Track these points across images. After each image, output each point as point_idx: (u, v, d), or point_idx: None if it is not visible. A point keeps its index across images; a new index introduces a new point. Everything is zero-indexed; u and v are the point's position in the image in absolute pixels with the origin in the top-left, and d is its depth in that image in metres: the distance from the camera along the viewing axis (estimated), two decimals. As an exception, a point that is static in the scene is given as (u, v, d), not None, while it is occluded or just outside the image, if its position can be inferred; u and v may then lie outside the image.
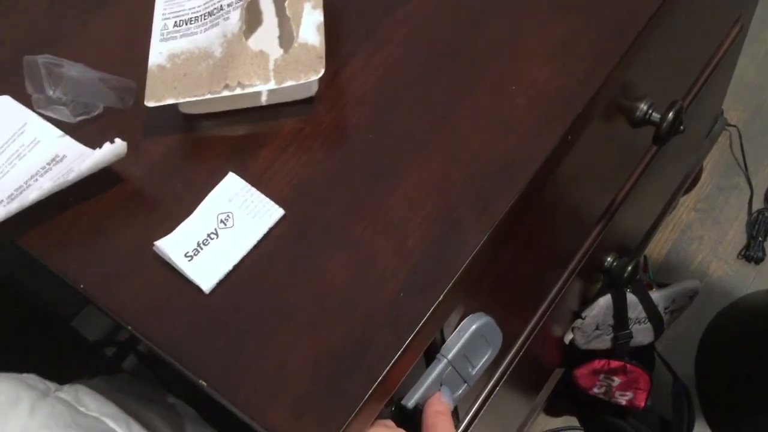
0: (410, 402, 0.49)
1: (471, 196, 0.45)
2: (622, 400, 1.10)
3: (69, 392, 0.51)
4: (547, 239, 0.74)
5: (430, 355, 0.50)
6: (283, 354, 0.41)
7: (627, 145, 0.81)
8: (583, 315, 0.95)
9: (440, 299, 0.42)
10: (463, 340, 0.49)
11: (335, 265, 0.44)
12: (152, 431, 0.52)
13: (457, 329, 0.49)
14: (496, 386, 0.81)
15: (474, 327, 0.49)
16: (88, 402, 0.51)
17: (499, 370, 0.81)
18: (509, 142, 0.47)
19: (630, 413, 1.16)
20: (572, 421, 1.23)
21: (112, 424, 0.50)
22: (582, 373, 1.06)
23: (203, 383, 0.41)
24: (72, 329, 0.91)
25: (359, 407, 0.39)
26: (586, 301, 0.97)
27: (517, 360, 0.82)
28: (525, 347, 0.83)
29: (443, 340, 0.50)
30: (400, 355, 0.41)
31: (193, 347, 0.42)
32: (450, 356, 0.48)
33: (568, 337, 0.97)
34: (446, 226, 0.44)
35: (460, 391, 0.51)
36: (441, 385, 0.49)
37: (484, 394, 0.80)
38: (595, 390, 1.10)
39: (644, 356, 1.08)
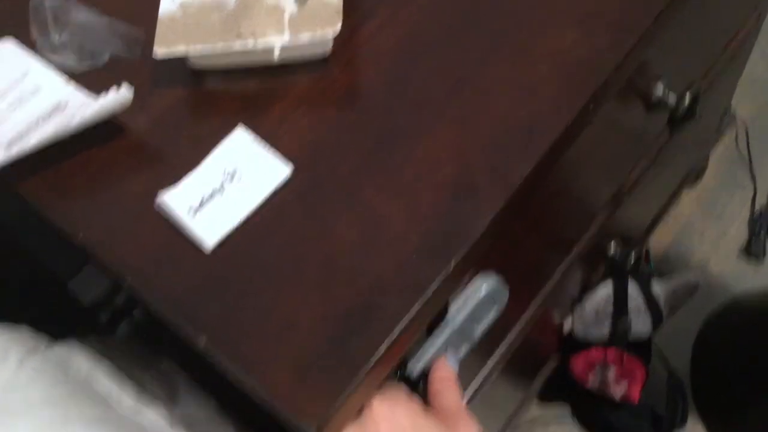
0: (414, 372, 0.47)
1: (488, 162, 0.44)
2: (617, 392, 1.09)
3: (61, 349, 0.50)
4: (554, 220, 0.72)
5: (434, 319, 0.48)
6: (288, 314, 0.40)
7: (639, 132, 0.80)
8: (583, 302, 0.94)
9: (452, 266, 0.41)
10: (471, 305, 0.47)
11: (345, 226, 0.42)
12: (145, 393, 0.51)
13: (464, 291, 0.48)
14: (492, 371, 0.80)
15: (484, 289, 0.47)
16: (80, 360, 0.50)
17: (495, 354, 0.80)
18: (530, 109, 0.45)
19: (622, 406, 1.16)
20: (565, 409, 1.22)
21: (104, 382, 0.48)
22: (578, 361, 1.05)
23: (202, 339, 0.39)
24: (68, 291, 0.89)
25: (365, 371, 0.38)
26: (587, 289, 0.96)
27: (514, 344, 0.81)
28: (523, 331, 0.82)
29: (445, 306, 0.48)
30: (408, 320, 0.39)
31: (194, 303, 0.41)
32: (457, 321, 0.47)
33: (567, 324, 0.96)
34: (461, 192, 0.43)
35: (464, 352, 0.49)
36: (447, 348, 0.48)
37: (478, 378, 0.79)
38: (590, 379, 1.09)
39: (641, 349, 1.07)
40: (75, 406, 0.42)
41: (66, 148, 0.46)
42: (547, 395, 1.24)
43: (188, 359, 0.69)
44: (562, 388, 1.17)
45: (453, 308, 0.48)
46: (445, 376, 0.47)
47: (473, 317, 0.49)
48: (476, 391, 0.78)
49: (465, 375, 0.77)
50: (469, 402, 0.77)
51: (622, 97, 0.63)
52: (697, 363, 1.23)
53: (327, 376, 0.38)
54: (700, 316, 1.25)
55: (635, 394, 1.08)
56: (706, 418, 1.19)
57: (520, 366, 0.98)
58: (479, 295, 0.48)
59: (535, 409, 1.23)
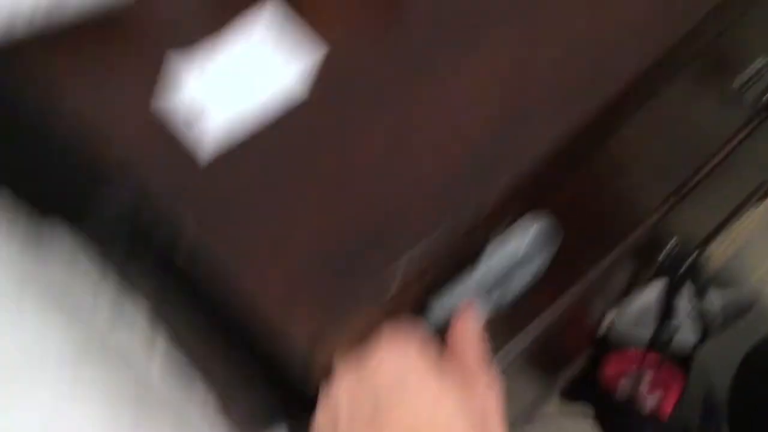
0: (436, 313, 0.42)
1: (551, 88, 0.37)
2: (648, 403, 1.01)
3: (48, 227, 0.46)
4: (610, 197, 0.65)
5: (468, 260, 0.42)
6: (290, 226, 0.35)
7: (711, 126, 0.72)
8: (628, 299, 0.87)
9: (493, 199, 0.34)
10: (514, 247, 0.41)
11: (372, 137, 0.37)
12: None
13: (506, 234, 0.41)
14: (515, 354, 0.73)
15: (532, 231, 0.41)
16: (64, 238, 0.45)
17: (521, 337, 0.74)
18: (608, 37, 0.38)
19: (650, 422, 1.08)
20: (587, 410, 1.15)
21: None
22: (612, 360, 0.98)
23: (186, 237, 0.34)
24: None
25: (371, 298, 0.32)
26: (634, 286, 0.89)
27: (543, 330, 0.75)
28: (556, 318, 0.75)
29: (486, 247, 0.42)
30: (431, 249, 0.33)
31: (183, 201, 0.36)
32: (494, 264, 0.41)
33: (607, 321, 0.88)
34: (516, 115, 0.36)
35: (497, 302, 0.43)
36: (476, 295, 0.42)
37: (498, 358, 0.73)
38: (621, 382, 1.02)
39: (682, 358, 0.99)
40: (40, 286, 0.38)
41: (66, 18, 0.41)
42: (570, 394, 1.17)
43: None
44: (587, 389, 1.10)
45: (492, 249, 0.42)
46: (469, 326, 0.41)
47: (515, 263, 0.42)
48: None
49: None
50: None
51: (711, 63, 0.55)
52: (738, 389, 1.14)
53: (326, 297, 0.33)
54: (750, 339, 1.15)
55: (667, 409, 1.00)
56: (739, 447, 1.11)
57: (547, 356, 0.92)
58: (526, 237, 0.42)
59: (554, 405, 1.16)
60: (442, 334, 0.43)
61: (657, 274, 0.88)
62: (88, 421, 0.34)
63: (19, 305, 0.35)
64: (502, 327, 0.71)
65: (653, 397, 1.02)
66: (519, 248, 0.41)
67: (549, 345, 0.87)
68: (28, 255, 0.40)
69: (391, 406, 0.35)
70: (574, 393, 1.15)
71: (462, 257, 0.44)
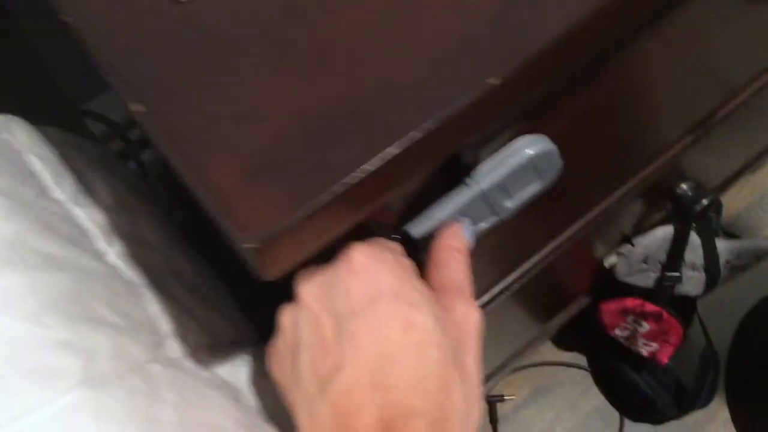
0: (417, 229, 0.37)
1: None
2: (645, 351, 0.98)
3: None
4: (623, 127, 0.59)
5: (455, 176, 0.37)
6: (252, 97, 0.29)
7: (747, 50, 0.66)
8: (635, 241, 0.82)
9: (488, 86, 0.29)
10: (506, 168, 0.36)
11: (359, 11, 0.31)
12: (90, 193, 0.41)
13: (502, 151, 0.36)
14: (512, 285, 0.69)
15: (529, 153, 0.36)
16: (20, 134, 0.40)
17: (520, 270, 0.69)
18: None
19: (645, 367, 1.05)
20: (580, 359, 1.12)
21: (38, 166, 0.39)
22: (610, 308, 0.94)
23: (139, 108, 0.29)
24: (80, 120, 0.81)
25: (336, 190, 0.27)
26: (642, 228, 0.84)
27: (543, 266, 0.70)
28: (557, 254, 0.70)
29: (474, 164, 0.37)
30: (412, 140, 0.28)
31: (139, 62, 0.30)
32: (484, 184, 0.36)
33: (610, 261, 0.84)
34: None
35: (486, 224, 0.38)
36: (463, 215, 0.37)
37: (494, 290, 0.69)
38: (618, 332, 0.98)
39: (683, 309, 0.95)
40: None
41: None
42: (563, 343, 1.14)
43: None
44: (581, 334, 1.06)
45: (483, 167, 0.37)
46: (454, 245, 0.36)
47: (508, 186, 0.37)
48: (484, 306, 0.67)
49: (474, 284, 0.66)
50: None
51: None
52: (739, 343, 1.10)
53: (287, 183, 0.27)
54: (755, 294, 1.11)
55: (664, 358, 0.97)
56: (734, 404, 1.08)
57: (543, 297, 0.87)
58: (521, 158, 0.36)
59: (547, 353, 1.13)
60: (423, 253, 0.38)
61: (665, 219, 0.83)
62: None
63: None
64: (498, 260, 0.67)
65: (650, 348, 0.98)
66: (513, 169, 0.36)
67: (546, 284, 0.83)
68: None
69: (356, 331, 0.31)
70: (568, 341, 1.12)
71: (447, 170, 0.39)
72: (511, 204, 0.39)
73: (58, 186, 0.39)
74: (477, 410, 0.33)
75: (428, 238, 0.38)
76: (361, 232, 0.36)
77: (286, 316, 0.34)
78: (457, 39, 0.30)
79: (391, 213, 0.38)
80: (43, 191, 0.38)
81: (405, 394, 0.30)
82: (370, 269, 0.32)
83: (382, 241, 0.35)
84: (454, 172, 0.38)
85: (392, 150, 0.28)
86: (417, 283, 0.33)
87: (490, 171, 0.37)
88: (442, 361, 0.31)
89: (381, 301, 0.31)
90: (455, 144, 0.31)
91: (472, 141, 0.37)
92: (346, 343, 0.31)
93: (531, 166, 0.37)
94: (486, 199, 0.37)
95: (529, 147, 0.36)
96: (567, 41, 0.30)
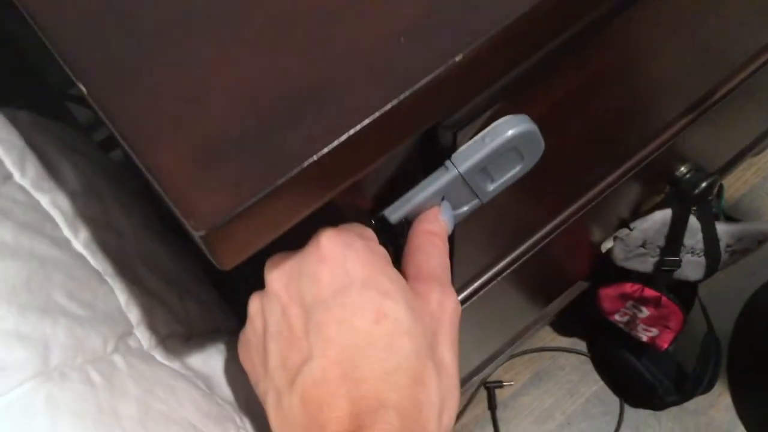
0: (394, 214, 0.35)
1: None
2: (644, 336, 0.96)
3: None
4: (618, 105, 0.58)
5: (435, 159, 0.36)
6: (206, 80, 0.28)
7: (751, 24, 0.64)
8: (632, 225, 0.80)
9: (457, 59, 0.27)
10: (487, 150, 0.34)
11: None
12: (55, 178, 0.40)
13: (482, 133, 0.35)
14: (507, 269, 0.68)
15: (509, 134, 0.34)
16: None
17: (515, 253, 0.68)
18: None
19: (645, 352, 1.03)
20: (579, 344, 1.10)
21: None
22: (608, 293, 0.92)
23: (83, 89, 0.28)
24: (63, 107, 0.79)
25: (291, 173, 0.26)
26: (639, 212, 0.82)
27: (539, 248, 0.69)
28: (553, 237, 0.69)
29: (453, 146, 0.35)
30: (375, 120, 0.27)
31: (79, 33, 0.29)
32: (463, 168, 0.34)
33: (607, 246, 0.82)
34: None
35: (467, 208, 0.37)
36: (442, 199, 0.36)
37: (489, 274, 0.67)
38: (617, 317, 0.96)
39: (683, 294, 0.93)
40: None
41: None
42: (563, 328, 1.12)
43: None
44: (581, 319, 1.05)
45: (463, 149, 0.35)
46: (432, 230, 0.35)
47: (489, 168, 0.36)
48: (479, 289, 0.66)
49: (468, 268, 0.65)
50: (467, 300, 0.66)
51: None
52: (742, 328, 1.09)
53: (239, 167, 0.26)
54: (758, 278, 1.10)
55: (664, 344, 0.95)
56: (736, 390, 1.06)
57: (540, 279, 0.86)
58: (501, 139, 0.35)
59: (546, 338, 1.12)
60: (400, 239, 0.37)
61: (664, 202, 0.81)
62: None
63: None
64: (494, 243, 0.66)
65: (649, 333, 0.96)
66: (494, 150, 0.35)
67: (543, 268, 0.81)
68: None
69: (325, 322, 0.30)
70: (568, 326, 1.11)
71: (426, 154, 0.37)
72: (492, 187, 0.37)
73: (21, 171, 0.38)
74: (453, 402, 0.32)
75: (406, 224, 0.36)
76: (335, 217, 0.34)
77: (254, 305, 0.33)
78: (420, 15, 0.28)
79: (368, 197, 0.37)
80: (3, 176, 0.37)
81: (375, 387, 0.29)
82: (340, 257, 0.31)
83: (353, 226, 0.34)
84: (433, 155, 0.37)
85: (350, 132, 0.27)
86: (389, 271, 0.32)
87: (471, 153, 0.35)
88: (415, 351, 0.30)
89: (350, 290, 0.30)
90: (419, 125, 0.29)
91: (451, 121, 0.35)
92: (314, 335, 0.30)
93: (512, 148, 0.36)
94: (466, 182, 0.36)
95: (510, 128, 0.35)
96: (535, 17, 0.28)
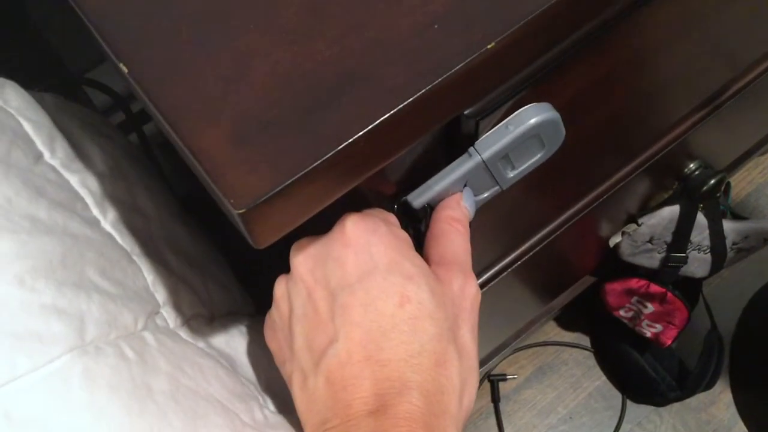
0: (417, 200, 0.36)
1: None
2: (648, 332, 0.97)
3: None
4: (630, 102, 0.58)
5: (458, 146, 0.36)
6: (241, 59, 0.28)
7: (762, 23, 0.64)
8: (640, 221, 0.81)
9: (487, 49, 0.28)
10: (509, 138, 0.35)
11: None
12: (83, 159, 0.41)
13: (506, 120, 0.35)
14: (516, 262, 0.68)
15: (533, 122, 0.35)
16: (13, 98, 0.40)
17: (524, 246, 0.69)
18: None
19: (648, 348, 1.04)
20: (583, 339, 1.11)
21: (29, 130, 0.38)
22: (614, 288, 0.93)
23: (123, 69, 0.28)
24: (80, 90, 0.80)
25: (330, 154, 0.27)
26: (648, 208, 0.83)
27: (548, 242, 0.69)
28: (562, 231, 0.70)
29: (476, 134, 0.36)
30: (407, 105, 0.27)
31: (124, 20, 0.30)
32: (486, 155, 0.35)
33: (615, 240, 0.83)
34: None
35: (488, 194, 0.38)
36: (464, 186, 0.36)
37: (498, 266, 0.68)
38: (622, 312, 0.97)
39: (688, 291, 0.94)
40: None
41: None
42: (567, 323, 1.13)
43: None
44: (586, 314, 1.06)
45: (486, 136, 0.36)
46: (454, 216, 0.35)
47: (510, 155, 0.36)
48: (488, 282, 0.67)
49: (478, 261, 0.66)
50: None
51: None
52: (744, 327, 1.09)
53: (276, 149, 0.27)
54: (762, 278, 1.10)
55: (668, 340, 0.96)
56: (737, 388, 1.07)
57: (547, 273, 0.87)
58: (525, 127, 0.35)
59: (551, 332, 1.12)
60: (423, 224, 0.37)
61: (672, 199, 0.82)
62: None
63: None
64: (504, 235, 0.66)
65: (653, 329, 0.97)
66: (517, 137, 0.35)
67: (551, 262, 0.82)
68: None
69: (350, 305, 0.30)
70: (573, 321, 1.12)
71: (450, 140, 0.38)
72: (513, 174, 0.38)
73: (50, 151, 0.38)
74: (473, 385, 0.33)
75: (429, 209, 0.37)
76: (359, 202, 0.35)
77: (280, 288, 0.34)
78: (453, 2, 0.29)
79: (391, 183, 0.38)
80: (35, 156, 0.37)
81: (399, 368, 0.30)
82: (364, 242, 0.31)
83: (377, 212, 0.35)
84: (456, 142, 0.37)
85: (384, 115, 0.27)
86: (412, 256, 0.33)
87: (494, 140, 0.36)
88: (437, 335, 0.31)
89: (375, 274, 0.31)
90: (451, 110, 0.30)
91: (474, 110, 0.36)
92: (339, 318, 0.30)
93: (534, 135, 0.36)
94: (488, 168, 0.36)
95: (533, 115, 0.36)
96: (563, 7, 0.29)
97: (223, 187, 0.26)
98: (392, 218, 0.35)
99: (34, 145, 0.38)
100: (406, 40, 0.28)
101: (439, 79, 0.28)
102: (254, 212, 0.26)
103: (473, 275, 0.35)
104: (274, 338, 0.34)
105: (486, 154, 0.35)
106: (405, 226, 0.36)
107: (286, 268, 0.34)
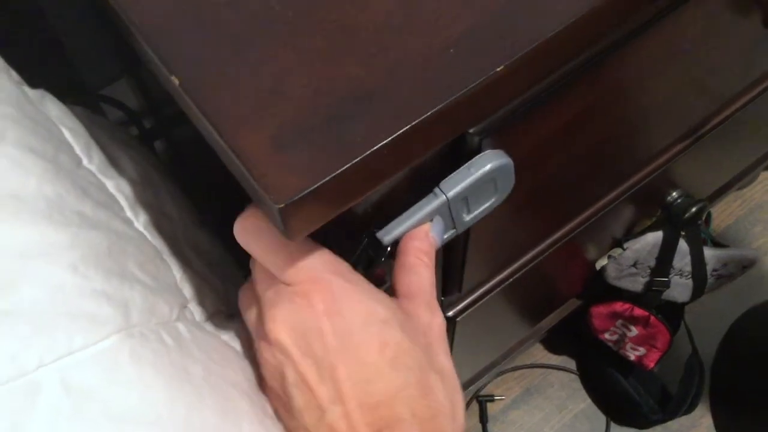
0: (388, 236, 0.38)
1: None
2: (632, 355, 1.01)
3: (36, 93, 0.43)
4: (607, 131, 0.62)
5: (421, 187, 0.39)
6: (281, 74, 0.32)
7: (741, 60, 0.69)
8: (625, 245, 0.85)
9: (497, 71, 0.32)
10: (471, 179, 0.38)
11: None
12: (115, 167, 0.44)
13: (467, 164, 0.39)
14: (502, 284, 0.71)
15: (490, 166, 0.38)
16: (52, 108, 0.43)
17: (510, 269, 0.72)
18: None
19: (632, 372, 1.08)
20: (569, 362, 1.15)
21: (68, 137, 0.42)
22: (600, 311, 0.97)
23: (175, 81, 0.32)
24: (99, 108, 0.83)
25: (358, 157, 0.30)
26: (632, 234, 0.87)
27: (534, 264, 0.73)
28: (548, 254, 0.73)
29: (442, 174, 0.39)
30: (421, 121, 0.31)
31: (174, 35, 0.33)
32: (450, 194, 0.38)
33: (601, 263, 0.87)
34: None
35: (445, 236, 0.40)
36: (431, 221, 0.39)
37: (484, 288, 0.71)
38: (607, 336, 1.01)
39: (671, 316, 0.98)
40: (18, 129, 0.35)
41: None
42: (553, 346, 1.17)
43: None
44: (571, 338, 1.09)
45: (450, 177, 0.39)
46: (422, 248, 0.38)
47: (467, 198, 0.39)
48: (474, 303, 0.70)
49: (465, 282, 0.68)
50: (462, 313, 0.69)
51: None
52: (724, 352, 1.13)
53: (311, 152, 0.30)
54: (742, 305, 1.15)
55: (651, 363, 1.00)
56: (717, 412, 1.10)
57: (533, 295, 0.90)
58: (482, 170, 0.38)
59: (537, 355, 1.16)
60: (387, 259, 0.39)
61: (656, 225, 0.86)
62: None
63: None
64: (490, 258, 0.70)
65: (637, 352, 1.01)
66: (476, 181, 0.38)
67: (537, 285, 0.85)
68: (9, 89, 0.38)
69: (336, 366, 0.33)
70: (559, 344, 1.15)
71: (414, 177, 0.41)
72: (468, 218, 0.41)
73: (88, 158, 0.42)
74: (460, 402, 0.36)
75: (395, 244, 0.39)
76: (332, 236, 0.38)
77: (269, 358, 0.36)
78: (467, 30, 0.33)
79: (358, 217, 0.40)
80: (76, 161, 0.40)
81: (390, 405, 0.33)
82: (335, 309, 0.34)
83: (331, 265, 0.35)
84: (420, 180, 0.40)
85: (402, 129, 0.31)
86: (379, 298, 0.35)
87: (457, 181, 0.38)
88: (418, 366, 0.34)
89: (353, 333, 0.34)
90: (462, 126, 0.34)
91: (478, 128, 0.40)
92: (329, 381, 0.33)
93: (491, 179, 0.39)
94: (449, 210, 0.39)
95: (492, 161, 0.38)
96: (569, 36, 0.33)
97: (264, 185, 0.29)
98: (343, 266, 0.36)
99: (73, 151, 0.41)
100: (424, 62, 0.32)
101: (451, 99, 0.32)
102: (290, 208, 0.29)
103: (438, 306, 0.37)
104: (275, 398, 0.37)
105: (451, 194, 0.38)
106: (361, 257, 0.39)
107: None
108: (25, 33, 0.68)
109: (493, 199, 0.41)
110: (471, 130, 0.40)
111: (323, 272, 0.34)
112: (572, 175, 0.63)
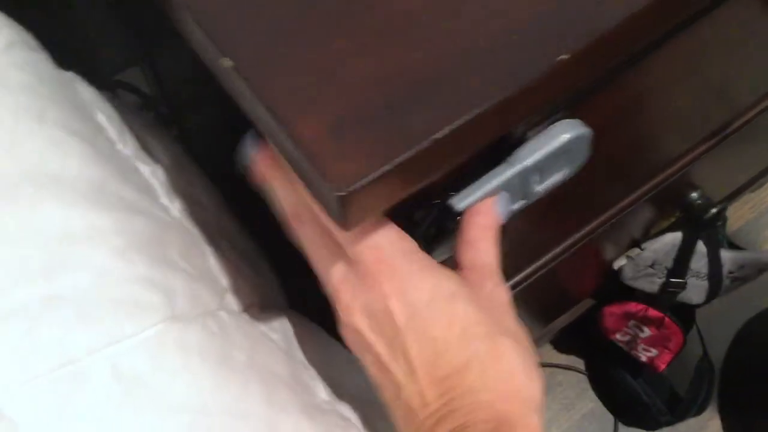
0: (460, 204, 0.38)
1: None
2: (644, 356, 1.00)
3: (68, 75, 0.42)
4: (636, 131, 0.61)
5: (495, 157, 0.39)
6: (338, 60, 0.31)
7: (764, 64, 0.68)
8: (644, 246, 0.84)
9: (559, 60, 0.31)
10: (548, 149, 0.37)
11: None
12: (148, 152, 0.43)
13: (541, 134, 0.38)
14: (519, 285, 0.71)
15: (567, 137, 0.38)
16: (84, 91, 0.42)
17: (528, 270, 0.71)
18: None
19: (641, 373, 1.07)
20: (577, 362, 1.14)
21: (103, 120, 0.41)
22: (613, 312, 0.96)
23: (229, 63, 0.31)
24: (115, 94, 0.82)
25: (420, 147, 0.29)
26: (651, 233, 0.86)
27: (552, 266, 0.72)
28: (568, 255, 0.72)
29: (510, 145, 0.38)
30: (488, 106, 0.30)
31: (227, 19, 0.32)
32: (521, 165, 0.37)
33: (619, 263, 0.86)
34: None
35: (517, 207, 0.40)
36: (499, 193, 0.39)
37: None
38: (618, 336, 1.00)
39: (683, 317, 0.97)
40: (58, 110, 0.34)
41: None
42: (562, 346, 1.16)
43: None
44: (580, 338, 1.08)
45: (524, 147, 0.38)
46: (486, 223, 0.37)
47: (540, 168, 0.39)
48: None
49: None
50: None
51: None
52: (734, 355, 1.13)
53: (370, 141, 0.29)
54: (753, 308, 1.14)
55: (662, 364, 0.99)
56: (726, 414, 1.10)
57: (549, 296, 0.89)
58: (559, 140, 0.38)
59: (546, 354, 1.15)
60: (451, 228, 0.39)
61: (675, 226, 0.85)
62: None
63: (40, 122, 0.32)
64: (509, 259, 0.69)
65: (649, 353, 1.00)
66: (551, 151, 0.38)
67: (553, 285, 0.85)
68: (47, 75, 0.36)
69: (407, 344, 0.33)
70: (567, 344, 1.14)
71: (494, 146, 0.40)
72: (540, 188, 0.40)
73: (123, 142, 0.41)
74: (533, 358, 0.36)
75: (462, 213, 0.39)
76: (406, 203, 0.37)
77: (349, 339, 0.36)
78: (532, 17, 0.32)
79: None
80: (112, 145, 0.39)
81: (462, 376, 0.33)
82: (400, 290, 0.33)
83: (396, 243, 0.35)
84: (496, 150, 0.39)
85: (465, 117, 0.30)
86: (443, 274, 0.35)
87: (530, 151, 0.38)
88: (486, 334, 0.34)
89: (420, 311, 0.33)
90: (521, 116, 0.33)
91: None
92: (401, 358, 0.33)
93: (565, 151, 0.39)
94: (522, 180, 0.38)
95: (568, 131, 0.38)
96: (631, 24, 0.32)
97: (324, 173, 0.28)
98: (408, 243, 0.35)
99: (109, 135, 0.40)
100: (486, 49, 0.31)
101: (515, 88, 0.31)
102: (350, 196, 0.28)
103: (502, 280, 0.37)
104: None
105: (525, 164, 0.37)
106: (428, 225, 0.38)
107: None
108: (46, 16, 0.67)
109: (566, 170, 0.40)
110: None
111: (389, 252, 0.34)
112: (596, 176, 0.63)
